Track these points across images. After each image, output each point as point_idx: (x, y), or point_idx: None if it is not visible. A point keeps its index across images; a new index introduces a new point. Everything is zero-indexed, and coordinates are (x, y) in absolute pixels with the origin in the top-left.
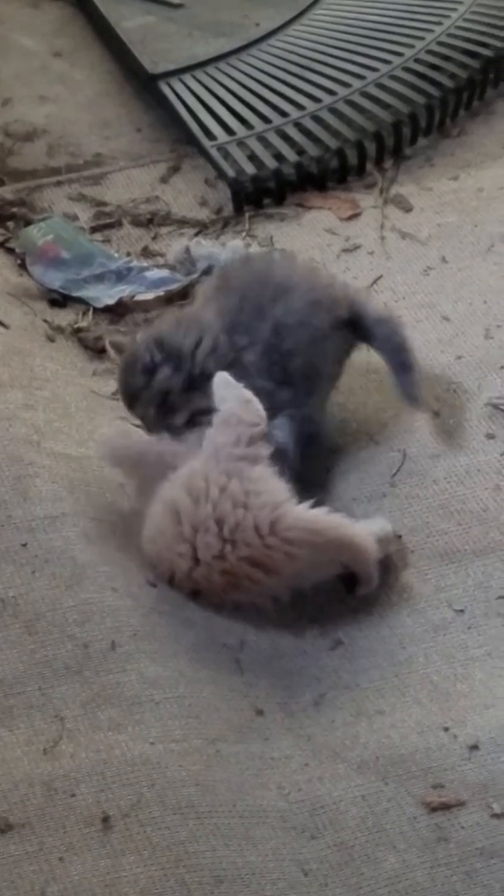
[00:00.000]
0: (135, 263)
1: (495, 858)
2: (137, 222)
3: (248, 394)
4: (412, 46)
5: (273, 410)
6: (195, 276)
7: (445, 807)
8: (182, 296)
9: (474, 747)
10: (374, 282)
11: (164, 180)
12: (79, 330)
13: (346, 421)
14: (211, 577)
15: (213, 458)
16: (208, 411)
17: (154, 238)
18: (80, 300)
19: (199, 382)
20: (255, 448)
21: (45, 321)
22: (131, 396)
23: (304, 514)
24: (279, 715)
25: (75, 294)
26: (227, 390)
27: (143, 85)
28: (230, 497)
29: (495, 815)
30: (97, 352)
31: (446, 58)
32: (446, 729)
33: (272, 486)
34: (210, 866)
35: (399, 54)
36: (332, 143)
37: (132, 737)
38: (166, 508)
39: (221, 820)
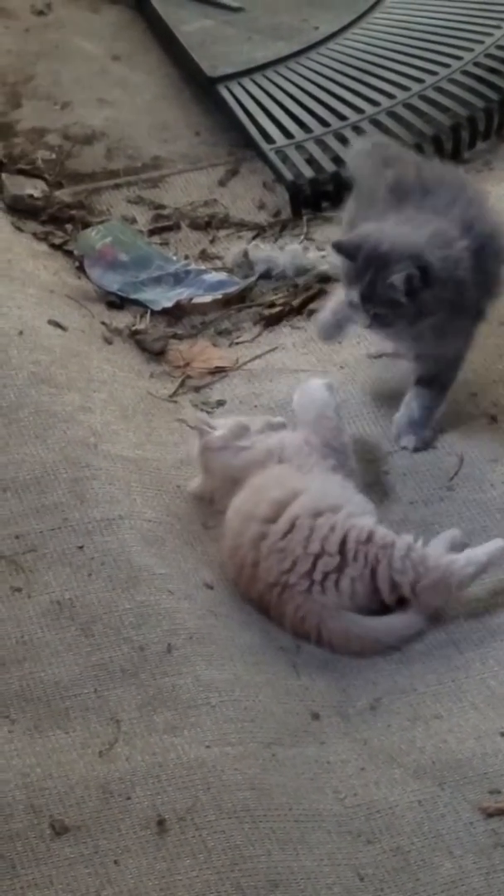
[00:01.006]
0: (192, 266)
1: None
2: (195, 225)
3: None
4: (471, 50)
5: None
6: (253, 279)
7: (502, 812)
8: (240, 299)
9: None
10: None
11: (222, 183)
12: (136, 332)
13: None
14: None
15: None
16: None
17: (212, 241)
18: (137, 303)
19: None
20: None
21: (103, 323)
22: None
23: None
24: (335, 719)
25: (133, 296)
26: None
27: (201, 88)
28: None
29: None
30: (155, 354)
31: None
32: (503, 734)
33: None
34: (265, 870)
35: (458, 58)
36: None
37: (188, 740)
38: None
39: (277, 824)
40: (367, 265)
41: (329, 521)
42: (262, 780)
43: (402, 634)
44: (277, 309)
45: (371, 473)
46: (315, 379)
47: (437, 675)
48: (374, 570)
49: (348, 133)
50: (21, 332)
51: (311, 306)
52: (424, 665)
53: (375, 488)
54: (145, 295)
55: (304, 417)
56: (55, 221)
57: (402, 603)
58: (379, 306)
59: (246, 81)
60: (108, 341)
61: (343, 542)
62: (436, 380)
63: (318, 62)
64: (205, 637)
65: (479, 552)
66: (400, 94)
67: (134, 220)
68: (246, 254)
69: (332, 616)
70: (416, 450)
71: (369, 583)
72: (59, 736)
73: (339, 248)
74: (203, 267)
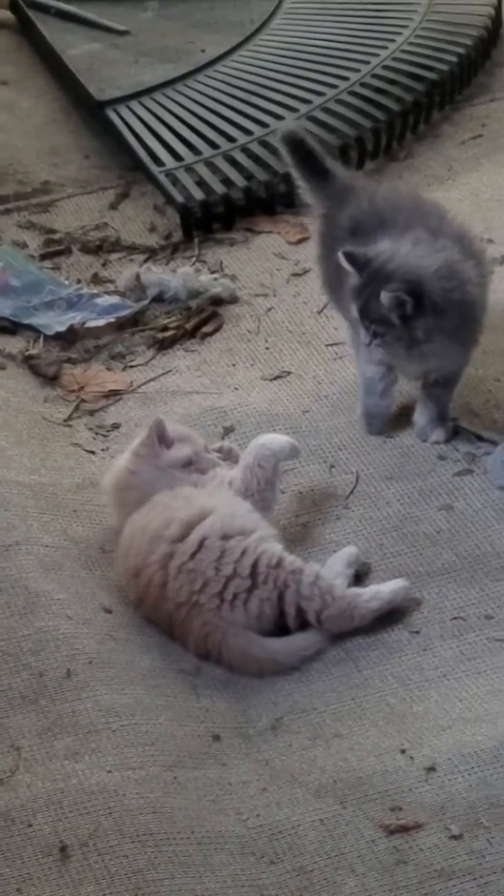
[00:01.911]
0: (85, 290)
1: (454, 880)
2: (87, 249)
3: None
4: (358, 71)
5: None
6: (145, 302)
7: (404, 829)
8: (133, 322)
9: (431, 769)
10: (325, 307)
11: (113, 207)
12: (30, 357)
13: (299, 442)
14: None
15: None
16: None
17: (104, 265)
18: (30, 327)
19: None
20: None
21: None
22: None
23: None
24: (236, 740)
25: (25, 321)
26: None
27: (90, 112)
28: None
29: (453, 837)
30: (49, 378)
31: (392, 81)
32: (403, 751)
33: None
34: (168, 894)
35: (345, 79)
36: (280, 168)
37: (89, 765)
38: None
39: (179, 847)
40: (369, 280)
41: (241, 544)
42: (164, 804)
43: (302, 655)
44: (171, 332)
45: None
46: (283, 436)
47: (336, 694)
48: (282, 594)
49: (238, 155)
50: None
51: (204, 329)
52: (324, 684)
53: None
54: (38, 320)
55: (246, 459)
56: None
57: (303, 625)
58: (376, 324)
59: (134, 104)
60: (2, 367)
61: (254, 566)
62: (446, 381)
63: (205, 84)
64: (104, 661)
65: (384, 589)
66: (288, 116)
67: (25, 245)
68: (138, 277)
69: (235, 635)
70: (448, 441)
71: (276, 605)
72: None
73: (349, 258)
74: (95, 291)
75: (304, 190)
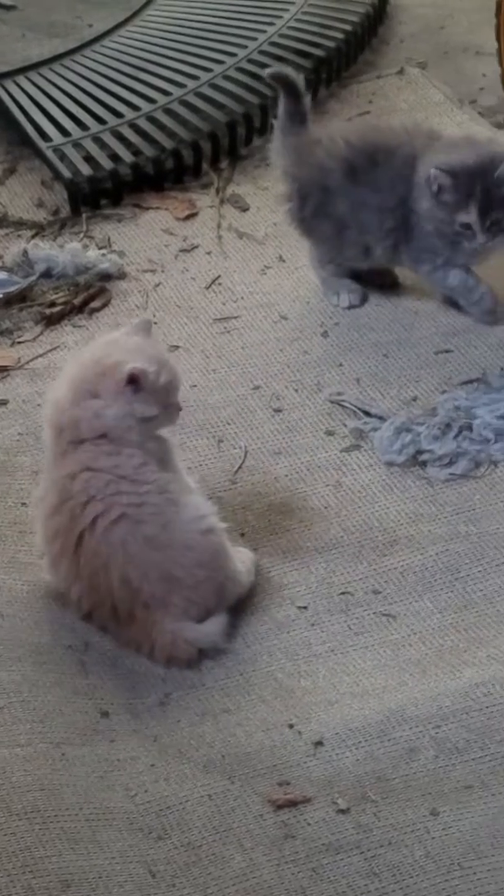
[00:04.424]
0: None
1: (341, 854)
2: None
3: None
4: (245, 47)
5: None
6: (33, 278)
7: (291, 804)
8: (21, 298)
9: (319, 743)
10: (213, 282)
11: None
12: None
13: (187, 417)
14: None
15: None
16: None
17: None
18: None
19: None
20: None
21: None
22: None
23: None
24: (125, 716)
25: None
26: None
27: None
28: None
29: (340, 811)
30: None
31: (279, 58)
32: (291, 726)
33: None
34: (57, 871)
35: (232, 55)
36: (168, 144)
37: None
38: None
39: (67, 823)
40: (473, 178)
41: None
42: (51, 780)
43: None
44: (59, 308)
45: None
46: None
47: (224, 670)
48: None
49: (126, 131)
50: None
51: (93, 305)
52: (212, 660)
53: None
54: None
55: None
56: None
57: None
58: (497, 210)
59: (21, 80)
60: None
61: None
62: None
63: (93, 60)
64: None
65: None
66: (176, 92)
67: None
68: (25, 253)
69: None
70: None
71: None
72: None
73: (451, 172)
74: None
75: (278, 139)
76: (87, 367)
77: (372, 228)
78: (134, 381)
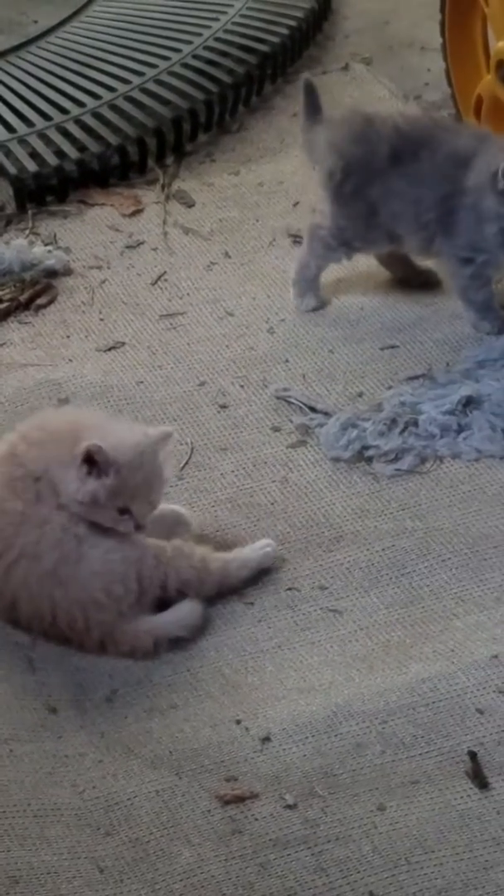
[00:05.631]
0: None
1: (289, 849)
2: None
3: None
4: (190, 43)
5: None
6: None
7: (239, 799)
8: None
9: (266, 739)
10: (158, 278)
11: None
12: None
13: (133, 413)
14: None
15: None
16: None
17: None
18: None
19: None
20: None
21: None
22: None
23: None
24: (72, 712)
25: None
26: None
27: None
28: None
29: (288, 806)
30: None
31: (224, 54)
32: (238, 721)
33: None
34: (5, 867)
35: (177, 51)
36: (113, 140)
37: None
38: None
39: (15, 820)
40: None
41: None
42: None
43: (191, 625)
44: (4, 304)
45: None
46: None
47: (171, 666)
48: (164, 583)
49: (71, 127)
50: None
51: (38, 301)
52: (159, 656)
53: None
54: None
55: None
56: None
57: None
58: None
59: None
60: None
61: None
62: None
63: (38, 56)
64: None
65: (252, 557)
66: (121, 87)
67: None
68: None
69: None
70: None
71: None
72: None
73: None
74: None
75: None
76: (78, 424)
77: (407, 218)
78: (89, 460)
